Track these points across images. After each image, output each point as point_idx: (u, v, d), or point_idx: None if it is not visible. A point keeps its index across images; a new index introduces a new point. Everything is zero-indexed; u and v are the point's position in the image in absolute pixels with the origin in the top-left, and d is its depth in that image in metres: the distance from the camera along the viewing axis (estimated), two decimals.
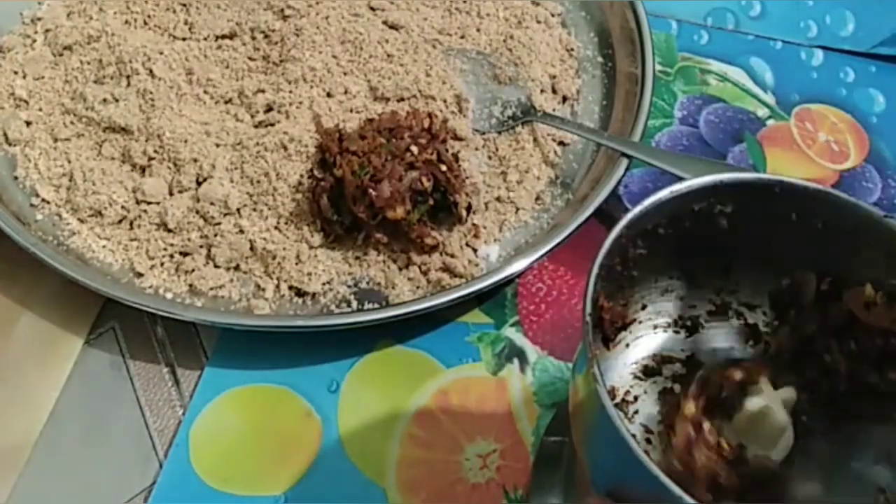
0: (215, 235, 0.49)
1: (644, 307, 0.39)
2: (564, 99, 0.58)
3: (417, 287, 0.49)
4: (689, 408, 0.36)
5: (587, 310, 0.29)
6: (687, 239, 0.34)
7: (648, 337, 0.40)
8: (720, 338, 0.40)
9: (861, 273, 0.34)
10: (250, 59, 0.57)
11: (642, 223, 0.32)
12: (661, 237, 0.34)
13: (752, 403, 0.34)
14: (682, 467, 0.34)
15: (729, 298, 0.39)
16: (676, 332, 0.40)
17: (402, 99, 0.55)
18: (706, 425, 0.35)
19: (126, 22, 0.58)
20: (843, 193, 0.33)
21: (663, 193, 0.32)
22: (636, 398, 0.39)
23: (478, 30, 0.59)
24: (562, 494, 0.41)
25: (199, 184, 0.51)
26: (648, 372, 0.40)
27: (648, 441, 0.38)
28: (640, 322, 0.39)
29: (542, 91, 0.57)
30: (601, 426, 0.28)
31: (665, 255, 0.35)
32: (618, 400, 0.38)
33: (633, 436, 0.27)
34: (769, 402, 0.34)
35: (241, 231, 0.49)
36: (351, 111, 0.54)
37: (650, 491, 0.26)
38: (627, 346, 0.39)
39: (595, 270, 0.30)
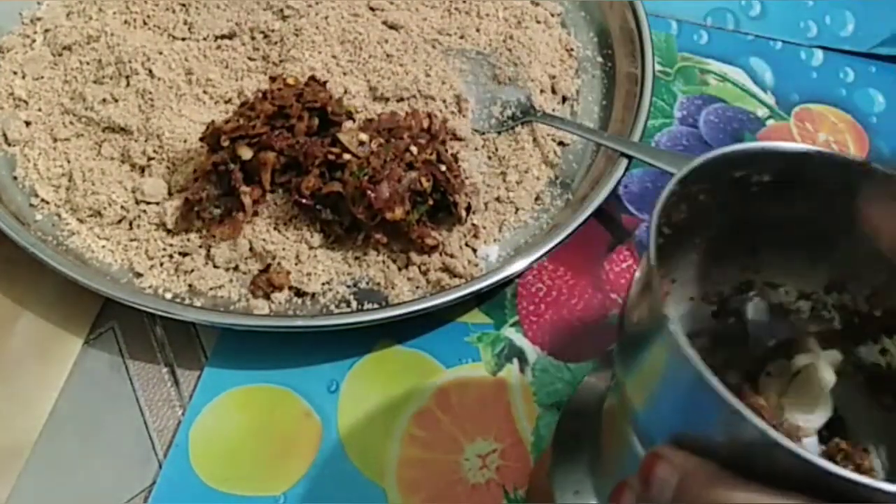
0: (214, 236, 0.49)
1: (673, 281, 0.39)
2: (564, 99, 0.58)
3: (417, 287, 0.49)
4: (730, 377, 0.36)
5: (652, 249, 0.29)
6: (721, 210, 0.34)
7: (678, 312, 0.39)
8: (748, 312, 0.39)
9: None
10: (250, 59, 0.57)
11: (689, 184, 0.31)
12: (700, 204, 0.33)
13: (799, 360, 0.34)
14: None
15: (753, 276, 0.39)
16: (703, 308, 0.39)
17: (401, 99, 0.55)
18: (745, 387, 0.35)
19: (125, 22, 0.58)
20: (880, 166, 0.33)
21: (710, 154, 0.32)
22: None
23: (477, 30, 0.59)
24: (588, 469, 0.39)
25: None
26: None
27: None
28: (669, 294, 0.39)
29: (541, 91, 0.57)
30: (672, 369, 0.28)
31: (699, 226, 0.35)
32: None
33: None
34: (815, 359, 0.34)
35: None
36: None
37: (727, 428, 0.26)
38: None
39: (658, 211, 0.29)
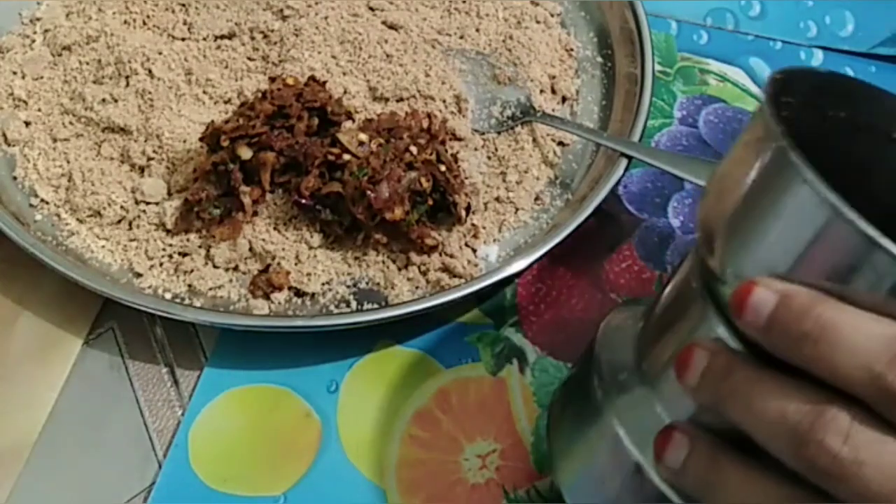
0: (214, 236, 0.49)
1: None
2: (564, 99, 0.58)
3: (417, 287, 0.49)
4: None
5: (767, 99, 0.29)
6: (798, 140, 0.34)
7: None
8: None
9: None
10: (249, 59, 0.57)
11: (785, 83, 0.31)
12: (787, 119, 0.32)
13: None
14: None
15: None
16: None
17: (401, 99, 0.55)
18: None
19: (125, 22, 0.58)
20: None
21: (800, 66, 0.32)
22: None
23: (477, 30, 0.59)
24: (634, 353, 0.37)
25: None
26: None
27: None
28: None
29: (541, 91, 0.57)
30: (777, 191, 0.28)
31: None
32: None
33: None
34: None
35: None
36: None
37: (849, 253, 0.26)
38: None
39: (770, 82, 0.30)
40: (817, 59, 0.63)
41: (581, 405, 0.39)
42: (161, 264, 0.49)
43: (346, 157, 0.48)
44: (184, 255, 0.49)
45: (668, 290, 0.36)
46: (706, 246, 0.31)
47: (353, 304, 0.48)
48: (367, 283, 0.49)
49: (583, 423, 0.38)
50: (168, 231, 0.50)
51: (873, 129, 0.33)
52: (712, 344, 0.30)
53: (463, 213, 0.49)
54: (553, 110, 0.57)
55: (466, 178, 0.52)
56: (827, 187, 0.26)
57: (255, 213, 0.50)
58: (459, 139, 0.54)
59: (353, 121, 0.52)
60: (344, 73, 0.55)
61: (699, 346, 0.30)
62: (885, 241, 0.25)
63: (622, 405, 0.35)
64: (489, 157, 0.54)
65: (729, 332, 0.30)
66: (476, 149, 0.54)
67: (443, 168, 0.49)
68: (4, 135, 0.54)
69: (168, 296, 0.48)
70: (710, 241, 0.31)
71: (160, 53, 0.55)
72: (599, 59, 0.60)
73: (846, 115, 0.33)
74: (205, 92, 0.55)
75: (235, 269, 0.49)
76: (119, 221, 0.51)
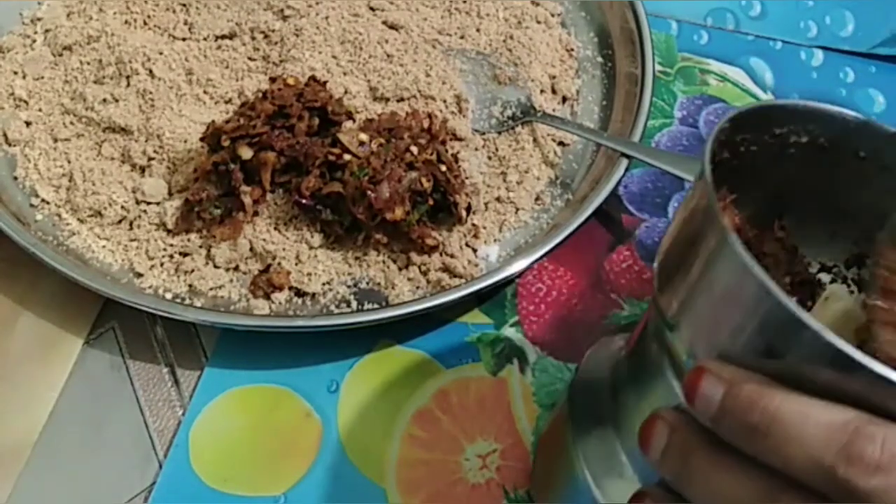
0: (214, 236, 0.49)
1: None
2: (564, 99, 0.58)
3: (417, 287, 0.49)
4: None
5: (707, 166, 0.29)
6: (756, 167, 0.34)
7: None
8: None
9: None
10: (250, 59, 0.57)
11: (737, 127, 0.31)
12: (740, 157, 0.33)
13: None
14: None
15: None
16: None
17: (401, 99, 0.55)
18: None
19: (126, 22, 0.58)
20: None
21: (758, 104, 0.32)
22: None
23: (478, 30, 0.59)
24: (612, 421, 0.38)
25: None
26: None
27: None
28: None
29: (541, 91, 0.57)
30: (729, 283, 0.27)
31: (732, 180, 0.34)
32: None
33: None
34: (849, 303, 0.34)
35: None
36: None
37: (785, 339, 0.26)
38: None
39: (714, 134, 0.30)
40: (817, 59, 0.63)
41: (558, 448, 0.40)
42: (162, 264, 0.49)
43: (347, 157, 0.48)
44: (184, 255, 0.49)
45: (634, 347, 0.36)
46: (660, 316, 0.31)
47: (354, 304, 0.48)
48: (367, 283, 0.49)
49: (558, 466, 0.40)
50: (169, 231, 0.50)
51: (838, 149, 0.33)
52: (673, 416, 0.30)
53: (463, 213, 0.49)
54: (553, 110, 0.57)
55: (467, 178, 0.52)
56: (754, 264, 0.26)
57: (255, 213, 0.50)
58: (460, 139, 0.54)
59: (354, 121, 0.52)
60: (344, 73, 0.56)
61: (661, 420, 0.30)
62: (809, 321, 0.25)
63: (591, 453, 0.36)
64: (490, 157, 0.54)
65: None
66: (476, 149, 0.54)
67: (443, 168, 0.49)
68: (5, 135, 0.54)
69: (169, 296, 0.48)
70: (662, 313, 0.31)
71: (161, 53, 0.55)
72: (600, 59, 0.60)
73: (808, 140, 0.33)
74: (205, 92, 0.55)
75: (236, 269, 0.49)
76: (120, 221, 0.51)
